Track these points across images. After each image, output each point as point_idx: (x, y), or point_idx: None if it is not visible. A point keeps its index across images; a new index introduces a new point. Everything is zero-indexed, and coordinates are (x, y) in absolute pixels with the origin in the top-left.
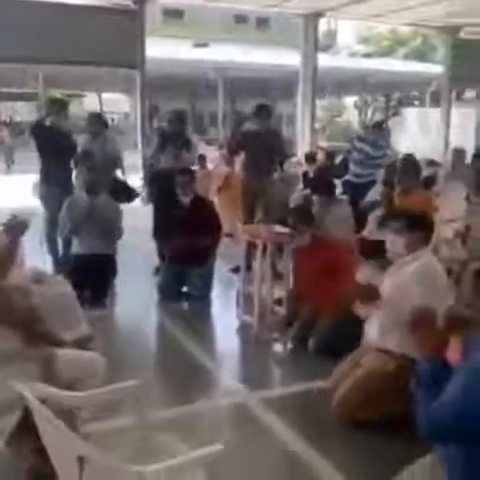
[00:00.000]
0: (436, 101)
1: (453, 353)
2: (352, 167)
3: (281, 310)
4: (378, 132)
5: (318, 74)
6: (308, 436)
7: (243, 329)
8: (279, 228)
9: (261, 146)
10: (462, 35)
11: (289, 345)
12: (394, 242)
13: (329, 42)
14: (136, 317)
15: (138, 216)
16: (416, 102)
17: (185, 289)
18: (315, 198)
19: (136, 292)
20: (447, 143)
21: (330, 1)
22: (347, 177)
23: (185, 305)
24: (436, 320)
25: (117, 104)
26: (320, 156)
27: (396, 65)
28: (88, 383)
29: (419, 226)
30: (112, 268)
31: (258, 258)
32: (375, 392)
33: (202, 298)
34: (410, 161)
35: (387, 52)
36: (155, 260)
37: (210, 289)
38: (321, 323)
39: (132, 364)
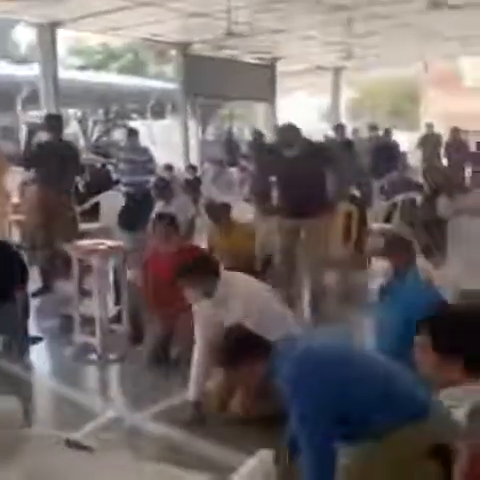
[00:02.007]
0: (156, 114)
1: None
2: (124, 179)
3: (120, 328)
4: (135, 139)
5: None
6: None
7: (83, 352)
8: (111, 242)
9: (55, 159)
10: (192, 51)
11: (146, 360)
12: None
13: None
14: None
15: None
16: (134, 115)
17: None
18: None
19: None
20: (188, 154)
21: (72, 12)
22: (122, 189)
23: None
24: None
25: None
26: None
27: (111, 79)
28: None
29: None
30: None
31: (95, 275)
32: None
33: (17, 336)
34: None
35: (100, 66)
36: None
37: (26, 324)
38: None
39: None
